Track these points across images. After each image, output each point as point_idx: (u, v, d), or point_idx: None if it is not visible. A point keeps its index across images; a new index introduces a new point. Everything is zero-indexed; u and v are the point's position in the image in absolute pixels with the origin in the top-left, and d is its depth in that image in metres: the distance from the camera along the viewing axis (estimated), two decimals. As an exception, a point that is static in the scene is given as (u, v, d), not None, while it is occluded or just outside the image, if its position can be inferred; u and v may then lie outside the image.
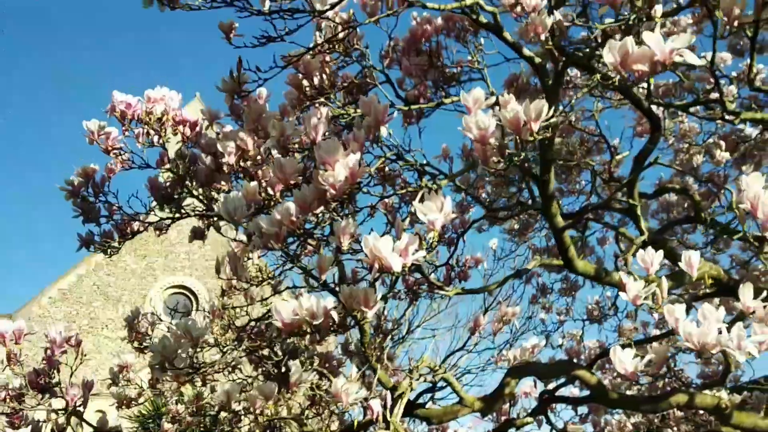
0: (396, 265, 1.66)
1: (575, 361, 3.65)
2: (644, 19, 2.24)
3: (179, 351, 2.64)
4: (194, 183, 3.13)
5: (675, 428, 5.19)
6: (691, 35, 1.54)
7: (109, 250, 3.33)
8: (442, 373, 3.19)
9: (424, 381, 3.18)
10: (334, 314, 1.80)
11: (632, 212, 3.35)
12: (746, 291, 2.01)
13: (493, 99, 2.01)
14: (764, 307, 1.97)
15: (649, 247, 2.13)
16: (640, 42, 1.62)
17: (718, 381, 5.46)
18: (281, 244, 1.96)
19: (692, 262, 2.05)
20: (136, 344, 3.66)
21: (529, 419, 3.69)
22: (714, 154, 5.05)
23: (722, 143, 5.00)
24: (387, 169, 3.30)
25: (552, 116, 1.85)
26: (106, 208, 3.27)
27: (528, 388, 3.75)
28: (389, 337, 4.25)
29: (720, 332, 1.84)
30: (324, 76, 2.88)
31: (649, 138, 3.17)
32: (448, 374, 3.26)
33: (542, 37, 2.31)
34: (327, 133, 2.16)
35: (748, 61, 4.05)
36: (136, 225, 3.30)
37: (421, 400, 4.05)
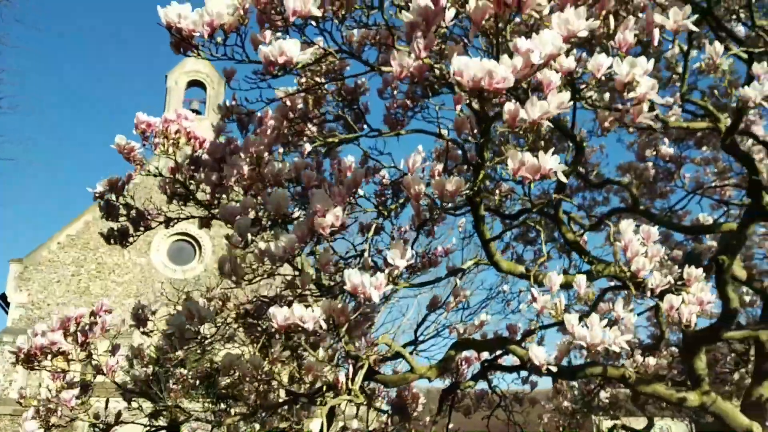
0: (375, 296, 2.36)
1: (513, 335, 4.41)
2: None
3: (189, 326, 3.39)
4: (199, 187, 3.86)
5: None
6: (558, 160, 2.12)
7: (125, 243, 4.11)
8: (396, 348, 3.99)
9: (382, 355, 3.97)
10: (322, 321, 2.52)
11: (557, 219, 4.08)
12: (618, 304, 2.81)
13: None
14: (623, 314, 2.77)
15: (553, 272, 2.87)
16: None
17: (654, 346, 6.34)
18: (281, 261, 2.68)
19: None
20: (142, 329, 4.37)
21: (471, 383, 4.53)
22: (660, 150, 5.78)
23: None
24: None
25: (475, 184, 2.56)
26: (124, 208, 4.04)
27: (470, 357, 4.57)
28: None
29: (603, 334, 2.61)
30: (309, 104, 3.58)
31: (573, 159, 3.85)
32: (401, 349, 4.05)
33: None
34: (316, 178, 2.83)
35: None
36: (149, 222, 4.06)
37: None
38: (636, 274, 2.60)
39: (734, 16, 4.83)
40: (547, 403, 7.22)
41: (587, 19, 2.02)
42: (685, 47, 4.27)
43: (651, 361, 5.36)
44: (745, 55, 3.58)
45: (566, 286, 3.97)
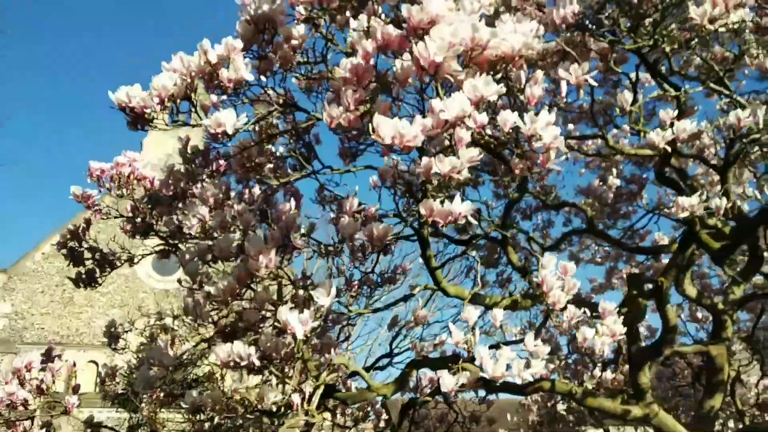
0: (299, 333, 2.60)
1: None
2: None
3: (153, 374, 3.56)
4: (158, 222, 4.07)
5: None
6: (468, 205, 2.36)
7: (94, 285, 4.31)
8: (353, 368, 4.22)
9: (339, 375, 4.20)
10: (255, 360, 2.76)
11: (504, 244, 4.34)
12: (528, 338, 3.04)
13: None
14: (535, 345, 2.99)
15: (470, 306, 3.10)
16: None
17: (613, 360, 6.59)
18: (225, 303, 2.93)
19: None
20: (113, 346, 4.56)
21: (428, 398, 4.77)
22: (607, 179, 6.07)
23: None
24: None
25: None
26: (89, 251, 4.24)
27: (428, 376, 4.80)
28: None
29: (508, 366, 2.84)
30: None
31: (517, 188, 4.11)
32: (358, 368, 4.29)
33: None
34: (254, 224, 3.08)
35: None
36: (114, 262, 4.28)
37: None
38: (553, 307, 2.84)
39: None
40: (514, 416, 7.48)
41: (499, 82, 2.27)
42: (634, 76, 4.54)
43: (608, 375, 5.63)
44: (674, 92, 3.84)
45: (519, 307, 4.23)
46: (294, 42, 3.06)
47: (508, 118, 2.31)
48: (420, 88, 2.38)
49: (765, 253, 6.15)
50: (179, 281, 3.06)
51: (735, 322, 6.47)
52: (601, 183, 6.73)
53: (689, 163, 6.64)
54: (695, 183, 5.78)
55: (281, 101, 2.99)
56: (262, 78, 3.05)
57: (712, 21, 2.86)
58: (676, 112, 3.29)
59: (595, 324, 2.98)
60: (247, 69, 2.82)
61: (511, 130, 2.30)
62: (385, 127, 2.09)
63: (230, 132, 2.78)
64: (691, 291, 5.64)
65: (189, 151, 3.62)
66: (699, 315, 6.96)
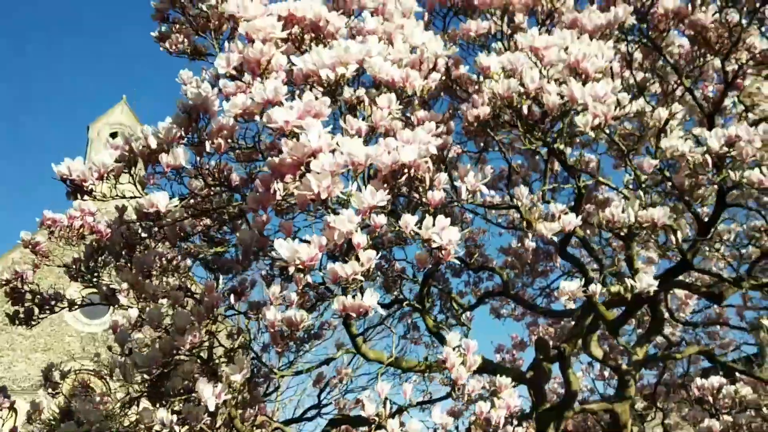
0: (211, 405, 2.84)
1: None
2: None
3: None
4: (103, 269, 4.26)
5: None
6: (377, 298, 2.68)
7: (30, 324, 4.46)
8: (275, 425, 4.45)
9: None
10: (175, 427, 2.98)
11: (422, 310, 4.69)
12: (435, 411, 3.33)
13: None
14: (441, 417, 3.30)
15: (381, 381, 3.40)
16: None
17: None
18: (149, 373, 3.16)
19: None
20: (50, 390, 4.71)
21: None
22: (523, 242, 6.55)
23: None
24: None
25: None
26: (30, 294, 4.39)
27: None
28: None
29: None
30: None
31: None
32: (280, 425, 4.51)
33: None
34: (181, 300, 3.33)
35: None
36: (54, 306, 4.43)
37: None
38: (455, 382, 3.16)
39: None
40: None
41: (394, 190, 2.62)
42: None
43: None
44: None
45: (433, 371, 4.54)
46: (225, 132, 3.36)
47: (408, 221, 2.64)
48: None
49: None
50: (109, 348, 3.27)
51: (638, 380, 6.97)
52: (519, 244, 7.19)
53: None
54: (600, 254, 6.29)
55: (214, 180, 3.27)
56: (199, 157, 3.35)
57: (594, 128, 3.30)
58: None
59: (493, 397, 3.30)
60: (185, 156, 3.10)
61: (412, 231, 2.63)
62: (285, 250, 2.36)
63: (162, 211, 3.06)
64: (597, 352, 6.07)
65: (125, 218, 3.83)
66: (605, 373, 7.42)
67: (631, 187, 4.50)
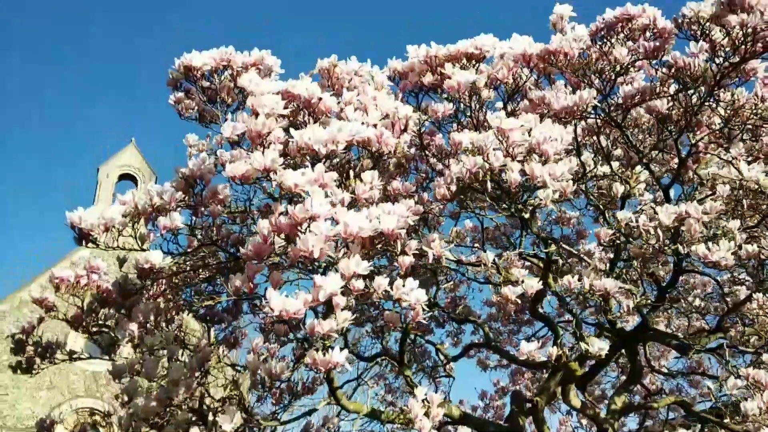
0: None
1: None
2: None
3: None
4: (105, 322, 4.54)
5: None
6: (345, 354, 2.99)
7: (32, 373, 4.72)
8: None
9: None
10: None
11: (400, 363, 4.95)
12: None
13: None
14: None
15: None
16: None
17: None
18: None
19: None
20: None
21: None
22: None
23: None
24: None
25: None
26: (34, 345, 4.66)
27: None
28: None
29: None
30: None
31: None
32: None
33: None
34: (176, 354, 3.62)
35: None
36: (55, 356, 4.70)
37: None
38: (419, 432, 3.42)
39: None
40: None
41: (372, 258, 2.94)
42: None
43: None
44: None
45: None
46: (220, 197, 3.71)
47: (381, 284, 2.98)
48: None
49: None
50: (116, 396, 3.53)
51: (619, 428, 7.18)
52: (499, 297, 7.46)
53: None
54: (583, 306, 6.57)
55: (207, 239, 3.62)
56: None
57: (553, 201, 3.62)
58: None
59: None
60: (180, 218, 3.44)
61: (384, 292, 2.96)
62: (275, 302, 2.68)
63: (156, 268, 3.38)
64: (576, 402, 6.29)
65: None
66: (584, 422, 7.62)
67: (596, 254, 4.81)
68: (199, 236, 3.88)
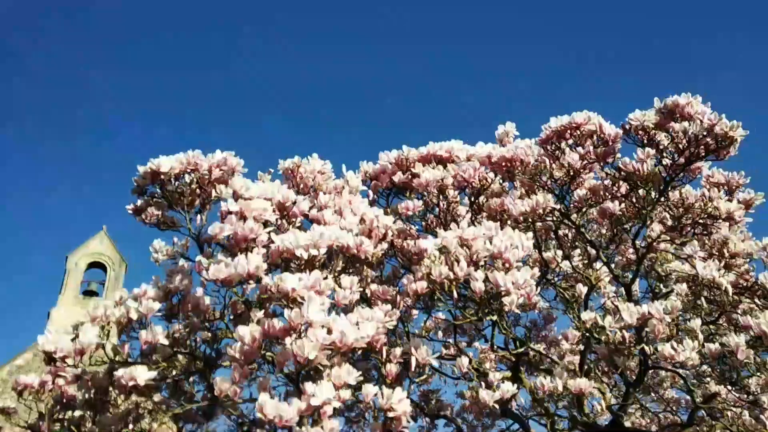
0: None
1: None
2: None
3: None
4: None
5: None
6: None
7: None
8: None
9: None
10: None
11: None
12: None
13: None
14: None
15: None
16: None
17: None
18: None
19: None
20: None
21: None
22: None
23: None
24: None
25: None
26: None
27: None
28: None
29: None
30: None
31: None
32: None
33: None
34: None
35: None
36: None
37: None
38: None
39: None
40: None
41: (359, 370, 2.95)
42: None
43: None
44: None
45: None
46: (201, 308, 3.69)
47: (369, 392, 3.03)
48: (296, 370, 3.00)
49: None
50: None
51: None
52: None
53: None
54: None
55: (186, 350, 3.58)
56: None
57: (519, 307, 3.68)
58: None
59: None
60: (162, 332, 3.40)
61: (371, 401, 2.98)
62: (269, 408, 2.66)
63: (142, 383, 3.32)
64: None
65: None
66: None
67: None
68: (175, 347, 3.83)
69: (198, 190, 4.31)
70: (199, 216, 4.39)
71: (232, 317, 3.91)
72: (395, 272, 5.23)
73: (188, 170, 4.26)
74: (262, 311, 3.35)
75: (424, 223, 5.07)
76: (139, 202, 4.51)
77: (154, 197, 4.52)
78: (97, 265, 24.46)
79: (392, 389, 3.08)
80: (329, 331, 2.85)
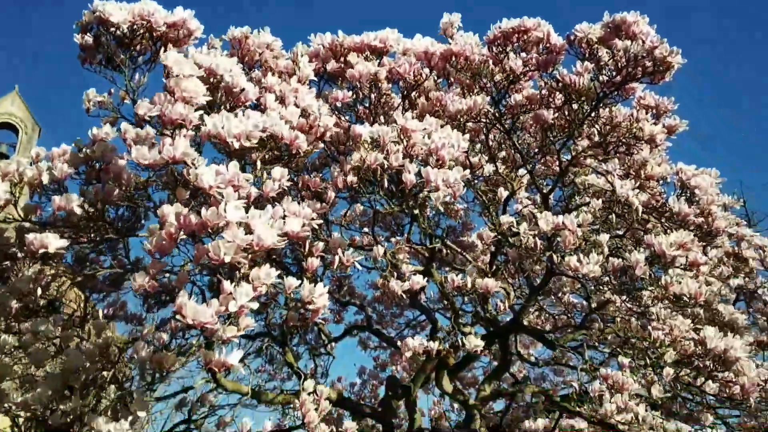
0: None
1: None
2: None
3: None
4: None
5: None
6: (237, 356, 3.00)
7: None
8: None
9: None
10: None
11: (283, 345, 5.00)
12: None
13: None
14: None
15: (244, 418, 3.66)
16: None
17: None
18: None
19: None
20: None
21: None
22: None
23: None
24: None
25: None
26: None
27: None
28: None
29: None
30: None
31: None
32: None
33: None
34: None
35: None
36: None
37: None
38: (308, 426, 3.50)
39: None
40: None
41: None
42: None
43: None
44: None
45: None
46: (123, 180, 3.55)
47: (291, 284, 3.08)
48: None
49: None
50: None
51: (484, 415, 7.55)
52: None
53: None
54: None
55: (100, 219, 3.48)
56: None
57: (443, 204, 3.76)
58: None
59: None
60: (77, 200, 3.29)
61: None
62: (188, 309, 2.62)
63: (52, 252, 3.22)
64: (448, 387, 6.57)
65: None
66: (455, 405, 7.98)
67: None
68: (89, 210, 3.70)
69: (147, 45, 4.00)
70: (137, 75, 4.11)
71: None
72: (323, 161, 5.20)
73: (140, 24, 3.95)
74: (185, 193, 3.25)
75: (354, 114, 5.02)
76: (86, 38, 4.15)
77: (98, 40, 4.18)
78: (7, 126, 23.11)
79: (314, 283, 3.14)
80: (248, 231, 2.79)
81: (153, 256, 2.88)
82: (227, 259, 2.66)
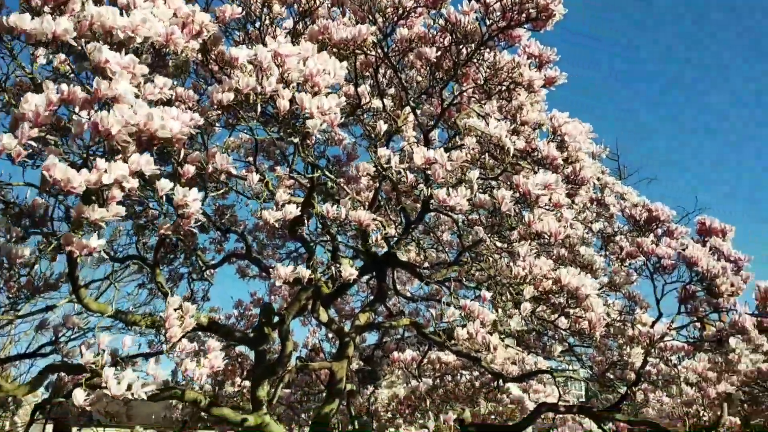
0: None
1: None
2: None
3: None
4: None
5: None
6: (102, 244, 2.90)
7: None
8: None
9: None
10: None
11: (153, 266, 4.89)
12: (150, 364, 3.60)
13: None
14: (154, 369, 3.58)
15: (104, 333, 3.58)
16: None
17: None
18: None
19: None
20: None
21: (62, 399, 5.09)
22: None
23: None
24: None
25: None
26: None
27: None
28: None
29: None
30: None
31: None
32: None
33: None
34: None
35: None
36: None
37: None
38: (169, 340, 3.46)
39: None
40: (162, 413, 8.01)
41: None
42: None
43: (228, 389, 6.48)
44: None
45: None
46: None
47: (164, 186, 3.03)
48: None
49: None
50: None
51: (357, 345, 7.79)
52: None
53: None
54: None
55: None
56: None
57: (320, 131, 3.75)
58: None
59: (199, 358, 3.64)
60: None
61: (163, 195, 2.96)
62: (56, 171, 2.53)
63: None
64: (324, 317, 6.69)
65: None
66: (331, 335, 8.17)
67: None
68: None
69: None
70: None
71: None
72: (198, 87, 5.03)
73: None
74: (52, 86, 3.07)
75: (242, 34, 4.87)
76: None
77: None
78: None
79: (188, 188, 3.12)
80: (135, 112, 2.72)
81: (27, 122, 2.71)
82: (113, 131, 2.59)
